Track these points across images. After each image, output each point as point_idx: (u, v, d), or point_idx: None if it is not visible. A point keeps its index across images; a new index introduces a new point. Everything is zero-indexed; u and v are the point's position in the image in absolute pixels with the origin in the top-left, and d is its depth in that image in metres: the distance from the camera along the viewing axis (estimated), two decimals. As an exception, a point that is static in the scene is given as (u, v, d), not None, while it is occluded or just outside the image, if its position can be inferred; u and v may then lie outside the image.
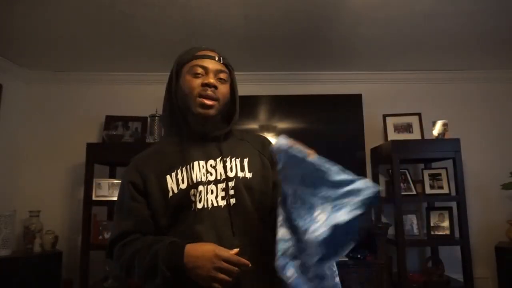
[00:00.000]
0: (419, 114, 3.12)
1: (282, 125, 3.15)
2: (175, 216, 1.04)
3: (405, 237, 2.70)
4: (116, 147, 2.79)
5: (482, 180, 3.19)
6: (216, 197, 1.05)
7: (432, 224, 2.85)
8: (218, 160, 1.08)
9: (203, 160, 1.08)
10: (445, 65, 3.20)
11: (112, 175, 3.04)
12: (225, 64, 1.16)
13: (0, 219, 2.59)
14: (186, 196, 1.03)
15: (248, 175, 1.09)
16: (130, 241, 1.02)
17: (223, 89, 1.12)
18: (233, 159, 1.10)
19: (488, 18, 2.37)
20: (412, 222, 2.93)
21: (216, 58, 1.12)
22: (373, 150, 3.18)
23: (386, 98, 3.31)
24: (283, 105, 3.16)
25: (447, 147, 2.79)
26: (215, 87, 1.08)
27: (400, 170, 2.85)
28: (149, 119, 3.06)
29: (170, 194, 1.04)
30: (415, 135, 3.06)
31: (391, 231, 2.79)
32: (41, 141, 3.20)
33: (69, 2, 2.11)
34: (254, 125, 3.15)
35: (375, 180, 3.16)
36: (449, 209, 2.85)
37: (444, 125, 2.89)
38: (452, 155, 2.77)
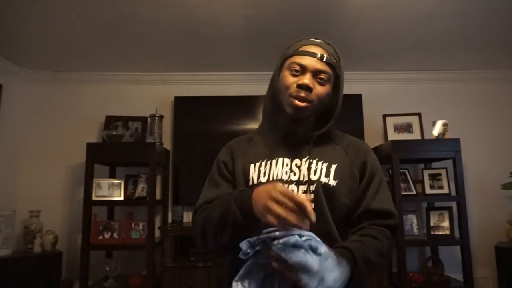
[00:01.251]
0: (419, 114, 3.12)
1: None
2: None
3: (405, 237, 2.70)
4: (116, 147, 2.79)
5: (482, 180, 3.19)
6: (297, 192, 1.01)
7: (432, 224, 2.85)
8: (304, 160, 1.04)
9: (289, 158, 1.05)
10: (445, 65, 3.20)
11: (112, 175, 3.04)
12: (329, 63, 1.07)
13: (0, 219, 2.59)
14: None
15: (332, 182, 1.02)
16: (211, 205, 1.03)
17: (321, 90, 1.05)
18: (320, 162, 1.04)
19: (488, 18, 2.37)
20: (412, 222, 2.93)
21: (318, 55, 1.04)
22: (373, 150, 3.17)
23: (386, 98, 3.31)
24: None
25: (447, 147, 2.79)
26: (310, 89, 1.02)
27: (400, 170, 2.85)
28: (149, 119, 3.07)
29: (250, 183, 1.04)
30: (415, 135, 3.06)
31: (391, 231, 2.78)
32: (41, 141, 3.20)
33: (69, 2, 2.11)
34: (254, 125, 3.15)
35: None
36: (449, 209, 2.85)
37: (444, 125, 2.89)
38: (452, 155, 2.77)
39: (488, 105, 3.32)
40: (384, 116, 3.15)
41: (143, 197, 2.80)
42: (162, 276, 2.64)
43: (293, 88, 1.02)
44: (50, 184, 3.13)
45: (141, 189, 2.86)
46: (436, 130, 2.89)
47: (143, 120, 3.12)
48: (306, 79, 1.02)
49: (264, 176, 1.03)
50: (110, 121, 3.09)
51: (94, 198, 2.71)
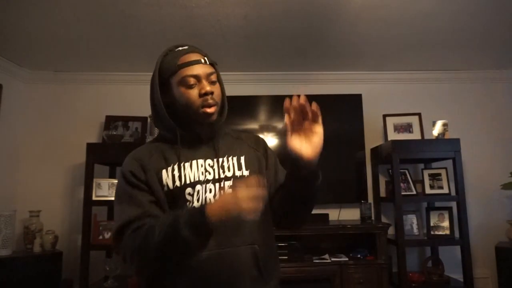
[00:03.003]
0: (419, 114, 3.12)
1: (282, 125, 3.15)
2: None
3: (405, 237, 2.70)
4: (116, 147, 2.79)
5: (482, 180, 3.19)
6: (214, 196, 1.04)
7: (432, 224, 2.85)
8: (215, 159, 1.09)
9: (202, 159, 1.08)
10: (445, 65, 3.20)
11: (112, 175, 3.04)
12: (211, 63, 1.11)
13: (0, 219, 2.59)
14: (182, 195, 1.02)
15: (246, 172, 1.10)
16: (142, 225, 0.96)
17: (217, 90, 1.10)
18: (229, 158, 1.11)
19: (488, 18, 2.37)
20: (412, 222, 2.94)
21: (203, 61, 1.08)
22: (373, 150, 3.18)
23: (386, 98, 3.31)
24: (283, 105, 3.16)
25: (447, 147, 2.79)
26: (212, 93, 1.06)
27: (400, 170, 2.85)
28: (149, 119, 3.07)
29: (165, 189, 1.03)
30: (415, 135, 3.06)
31: (391, 231, 2.79)
32: (41, 141, 3.20)
33: (69, 2, 2.11)
34: (254, 125, 3.15)
35: (375, 180, 3.17)
36: (449, 209, 2.86)
37: (444, 125, 2.89)
38: (452, 155, 2.77)
39: (488, 105, 3.32)
40: (384, 116, 3.15)
41: (143, 197, 2.80)
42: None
43: (198, 100, 1.05)
44: (50, 184, 3.13)
45: (141, 189, 2.85)
46: (436, 130, 2.89)
47: (143, 120, 3.12)
48: (206, 87, 1.05)
49: (179, 180, 1.03)
50: (110, 121, 3.09)
51: (94, 198, 2.70)
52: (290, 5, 2.19)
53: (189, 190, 1.03)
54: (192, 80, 1.04)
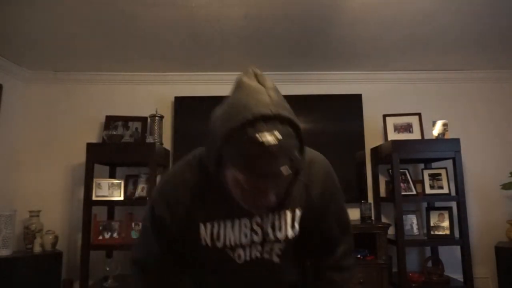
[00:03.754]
0: (419, 114, 3.12)
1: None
2: (204, 259, 0.97)
3: (405, 237, 2.70)
4: (116, 147, 2.79)
5: (482, 180, 3.19)
6: (261, 253, 0.93)
7: (432, 224, 2.85)
8: (265, 217, 0.91)
9: (248, 218, 0.90)
10: (445, 65, 3.20)
11: (112, 175, 3.04)
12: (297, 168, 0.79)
13: (0, 219, 2.59)
14: (223, 253, 0.92)
15: (296, 231, 0.93)
16: (152, 281, 0.97)
17: (281, 190, 0.84)
18: (282, 212, 0.92)
19: (488, 18, 2.37)
20: (412, 222, 2.93)
21: (282, 178, 0.74)
22: (373, 150, 3.18)
23: (386, 98, 3.31)
24: (283, 105, 3.16)
25: (447, 147, 2.79)
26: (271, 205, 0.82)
27: (400, 170, 2.85)
28: (149, 119, 3.07)
29: (203, 243, 0.91)
30: (415, 135, 3.06)
31: (391, 231, 2.79)
32: (41, 141, 3.20)
33: (69, 2, 2.11)
34: (254, 125, 3.14)
35: (375, 180, 3.17)
36: (449, 209, 2.86)
37: (444, 125, 2.89)
38: (452, 155, 2.77)
39: (488, 105, 3.32)
40: (384, 116, 3.15)
41: (143, 197, 2.80)
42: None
43: (250, 203, 0.82)
44: (50, 184, 3.13)
45: (141, 189, 2.86)
46: (436, 130, 2.89)
47: (143, 120, 3.12)
48: (269, 200, 0.79)
49: (218, 240, 0.90)
50: (110, 121, 3.09)
51: (94, 198, 2.71)
52: (290, 5, 2.19)
53: (229, 252, 0.92)
54: (251, 189, 0.77)
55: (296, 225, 0.93)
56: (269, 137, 0.71)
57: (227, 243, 0.90)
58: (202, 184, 0.90)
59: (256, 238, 0.91)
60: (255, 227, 0.91)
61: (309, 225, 0.96)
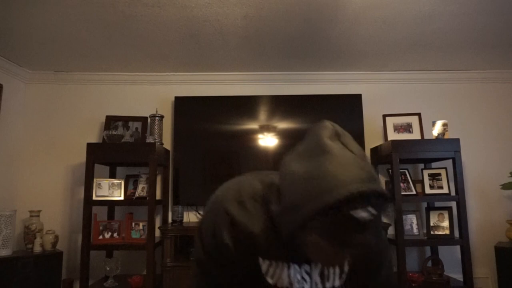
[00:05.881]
0: (419, 114, 3.12)
1: (282, 125, 3.15)
2: None
3: (405, 237, 2.71)
4: (116, 147, 2.79)
5: (482, 180, 3.19)
6: None
7: (432, 224, 2.85)
8: (313, 264, 0.89)
9: (297, 265, 0.89)
10: (445, 65, 3.20)
11: (112, 175, 3.05)
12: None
13: (0, 219, 2.59)
14: None
15: (344, 276, 0.91)
16: None
17: None
18: None
19: (488, 18, 2.37)
20: (412, 222, 2.93)
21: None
22: (373, 150, 3.19)
23: (386, 98, 3.31)
24: (283, 105, 3.17)
25: (447, 147, 2.79)
26: None
27: (400, 170, 2.85)
28: (149, 119, 3.07)
29: (267, 281, 0.88)
30: (415, 135, 3.06)
31: (391, 231, 2.79)
32: (41, 141, 3.20)
33: (69, 2, 2.11)
34: (254, 125, 3.15)
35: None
36: (449, 209, 2.86)
37: (444, 125, 2.89)
38: (452, 155, 2.77)
39: (488, 105, 3.32)
40: (384, 116, 3.15)
41: (143, 197, 2.80)
42: (162, 276, 2.65)
43: (322, 262, 0.84)
44: (50, 184, 3.14)
45: (141, 189, 2.86)
46: (436, 130, 2.89)
47: (143, 120, 3.12)
48: (343, 261, 0.83)
49: (272, 278, 0.87)
50: (110, 121, 3.10)
51: (94, 198, 2.71)
52: (290, 5, 2.20)
53: None
54: (333, 253, 0.76)
55: (344, 275, 0.91)
56: (363, 214, 0.69)
57: (279, 284, 0.88)
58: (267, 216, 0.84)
59: (306, 286, 0.89)
60: (304, 275, 0.89)
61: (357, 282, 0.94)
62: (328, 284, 0.89)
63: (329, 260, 0.78)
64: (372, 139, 3.20)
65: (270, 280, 0.87)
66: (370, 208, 0.69)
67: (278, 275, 0.87)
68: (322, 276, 0.88)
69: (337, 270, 0.90)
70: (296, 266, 0.88)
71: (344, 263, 0.80)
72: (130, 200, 2.84)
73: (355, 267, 0.91)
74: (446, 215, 2.85)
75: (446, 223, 2.83)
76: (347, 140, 0.76)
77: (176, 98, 3.20)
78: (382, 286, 0.97)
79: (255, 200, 0.85)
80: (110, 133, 2.87)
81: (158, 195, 2.90)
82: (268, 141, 3.13)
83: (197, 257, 0.92)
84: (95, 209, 2.72)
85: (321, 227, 0.71)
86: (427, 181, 2.92)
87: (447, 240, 2.81)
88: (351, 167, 0.71)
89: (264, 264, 0.87)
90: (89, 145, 2.76)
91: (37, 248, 2.73)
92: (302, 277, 0.88)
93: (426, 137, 3.04)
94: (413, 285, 2.68)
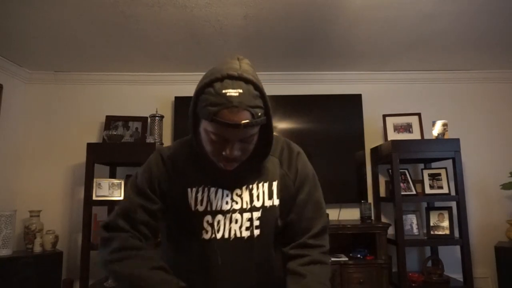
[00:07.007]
0: (419, 114, 3.12)
1: (282, 125, 3.15)
2: (182, 234, 1.01)
3: (404, 237, 2.71)
4: (116, 147, 2.80)
5: (482, 180, 3.19)
6: (241, 227, 0.98)
7: (432, 224, 2.86)
8: (244, 188, 1.00)
9: (228, 190, 1.00)
10: (445, 65, 3.20)
11: (112, 175, 3.05)
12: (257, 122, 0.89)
13: (0, 219, 2.59)
14: (199, 220, 0.98)
15: (276, 201, 1.01)
16: (130, 251, 0.93)
17: (249, 147, 0.94)
18: (260, 184, 1.01)
19: (488, 18, 2.38)
20: (412, 222, 2.94)
21: (241, 126, 0.85)
22: (373, 150, 3.19)
23: (386, 98, 3.31)
24: (283, 105, 3.16)
25: (447, 147, 2.79)
26: (235, 158, 0.92)
27: (400, 170, 2.85)
28: (149, 119, 3.07)
29: (191, 209, 0.98)
30: (415, 135, 3.07)
31: (391, 231, 2.79)
32: (41, 141, 3.20)
33: (69, 2, 2.11)
34: (254, 125, 3.14)
35: (375, 180, 3.17)
36: (449, 209, 2.86)
37: (444, 125, 2.89)
38: (451, 155, 2.77)
39: (488, 105, 3.32)
40: (384, 116, 3.15)
41: (143, 197, 2.80)
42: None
43: (219, 155, 0.92)
44: (50, 184, 3.14)
45: (141, 189, 2.86)
46: (436, 130, 2.90)
47: (143, 120, 3.12)
48: (233, 152, 0.90)
49: (201, 204, 0.98)
50: (110, 121, 3.09)
51: (94, 198, 2.71)
52: (290, 5, 2.20)
53: (208, 218, 0.98)
54: (218, 139, 0.89)
55: (274, 196, 1.01)
56: (232, 91, 0.84)
57: (208, 208, 0.98)
58: (191, 155, 1.01)
59: (236, 206, 0.99)
60: (235, 197, 0.99)
61: (285, 204, 1.03)
62: (257, 203, 0.99)
63: (218, 149, 0.90)
64: (372, 139, 3.20)
65: (199, 207, 0.97)
66: (239, 89, 0.85)
67: (207, 200, 0.98)
68: (251, 196, 0.99)
69: (266, 190, 1.00)
70: (227, 191, 0.99)
71: (233, 151, 0.90)
72: (130, 200, 2.84)
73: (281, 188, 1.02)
74: (446, 215, 2.86)
75: (446, 223, 2.83)
76: (244, 60, 0.93)
77: (176, 98, 3.20)
78: (303, 202, 1.05)
79: None
80: (110, 133, 2.87)
81: (158, 195, 2.89)
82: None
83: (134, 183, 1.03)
84: (95, 209, 2.72)
85: (202, 107, 0.87)
86: (427, 181, 2.92)
87: (447, 240, 2.82)
88: (232, 65, 0.89)
89: (192, 194, 0.98)
90: (89, 145, 2.76)
91: (37, 248, 2.73)
92: (233, 199, 0.99)
93: (426, 137, 3.04)
94: (413, 285, 2.68)
